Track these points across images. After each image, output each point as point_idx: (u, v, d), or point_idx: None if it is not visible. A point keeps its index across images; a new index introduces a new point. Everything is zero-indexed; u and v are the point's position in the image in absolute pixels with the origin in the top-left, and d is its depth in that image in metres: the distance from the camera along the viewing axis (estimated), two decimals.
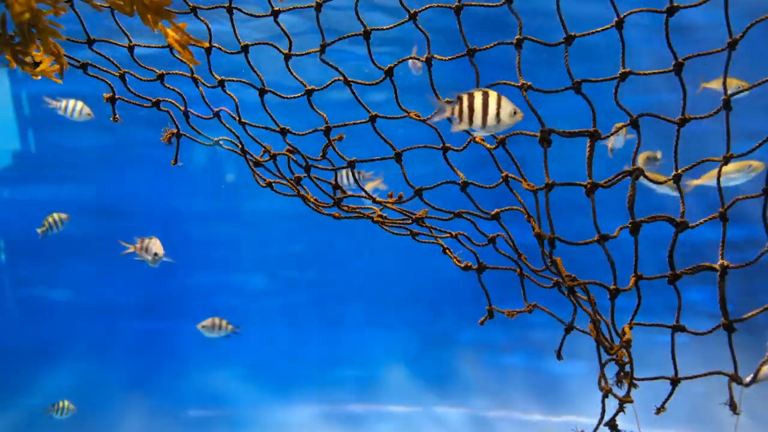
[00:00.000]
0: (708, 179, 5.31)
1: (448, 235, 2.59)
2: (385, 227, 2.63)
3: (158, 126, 2.67)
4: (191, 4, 2.31)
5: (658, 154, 5.63)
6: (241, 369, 9.82)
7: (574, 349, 2.56)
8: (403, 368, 9.58)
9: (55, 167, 10.46)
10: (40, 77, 1.94)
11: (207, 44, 2.27)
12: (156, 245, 5.90)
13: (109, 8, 2.31)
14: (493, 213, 2.43)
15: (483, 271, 2.54)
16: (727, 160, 2.21)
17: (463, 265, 2.52)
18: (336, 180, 2.63)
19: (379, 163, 2.54)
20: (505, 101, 2.19)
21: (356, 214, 2.63)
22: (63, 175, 10.50)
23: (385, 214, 2.62)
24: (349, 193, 2.65)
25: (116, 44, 2.49)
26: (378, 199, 2.58)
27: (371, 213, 2.62)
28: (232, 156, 2.71)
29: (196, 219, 10.71)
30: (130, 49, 2.46)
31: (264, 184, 2.68)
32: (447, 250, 2.57)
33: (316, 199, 2.66)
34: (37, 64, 1.85)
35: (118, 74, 2.48)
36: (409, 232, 2.63)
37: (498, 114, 2.18)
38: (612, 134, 2.30)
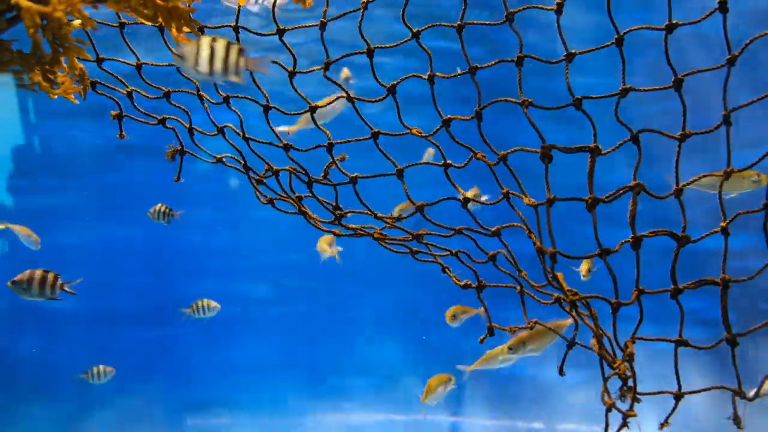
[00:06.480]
0: (704, 184, 5.14)
1: (448, 252, 2.58)
2: (385, 245, 2.63)
3: (159, 133, 2.68)
4: (198, 23, 2.32)
5: None
6: (242, 377, 9.81)
7: (570, 359, 2.55)
8: (405, 377, 9.56)
9: (57, 173, 10.48)
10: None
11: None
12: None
13: (117, 27, 2.34)
14: (494, 229, 2.44)
15: (483, 289, 2.53)
16: (728, 175, 2.23)
17: (462, 284, 2.51)
18: (336, 200, 2.64)
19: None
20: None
21: (357, 232, 2.64)
22: (64, 182, 10.51)
23: (385, 233, 2.63)
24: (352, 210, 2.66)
25: (124, 62, 2.51)
26: (379, 215, 2.59)
27: (372, 231, 2.63)
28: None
29: (196, 227, 10.71)
30: (138, 67, 2.47)
31: (265, 201, 2.69)
32: (446, 270, 2.56)
33: (317, 217, 2.67)
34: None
35: (125, 92, 2.50)
36: (408, 250, 2.64)
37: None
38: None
